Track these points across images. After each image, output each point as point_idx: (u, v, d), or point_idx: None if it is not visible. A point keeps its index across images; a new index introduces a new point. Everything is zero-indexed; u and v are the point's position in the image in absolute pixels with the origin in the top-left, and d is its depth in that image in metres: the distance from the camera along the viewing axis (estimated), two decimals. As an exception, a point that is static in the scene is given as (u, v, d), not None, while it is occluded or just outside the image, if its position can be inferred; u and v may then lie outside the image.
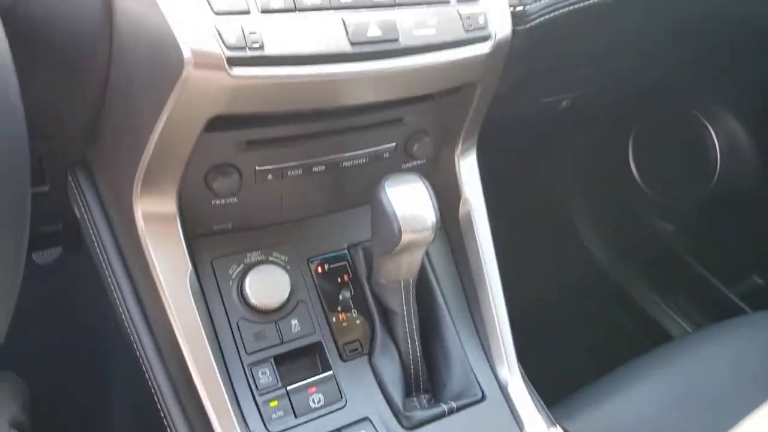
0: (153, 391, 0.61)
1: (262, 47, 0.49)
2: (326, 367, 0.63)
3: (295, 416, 0.60)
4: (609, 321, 1.40)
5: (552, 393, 0.74)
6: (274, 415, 0.59)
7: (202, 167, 0.57)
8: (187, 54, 0.47)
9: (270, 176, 0.60)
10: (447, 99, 0.65)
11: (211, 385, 0.57)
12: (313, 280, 0.65)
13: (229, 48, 0.48)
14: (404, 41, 0.55)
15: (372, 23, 0.53)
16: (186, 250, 0.57)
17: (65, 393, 0.97)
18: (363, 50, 0.53)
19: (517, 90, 0.76)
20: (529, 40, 0.66)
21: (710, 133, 1.28)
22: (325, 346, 0.63)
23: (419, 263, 0.62)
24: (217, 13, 0.49)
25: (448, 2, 0.58)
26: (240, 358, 0.60)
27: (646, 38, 0.91)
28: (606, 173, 1.44)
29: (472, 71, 0.62)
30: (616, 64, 1.00)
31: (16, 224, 0.40)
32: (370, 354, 0.65)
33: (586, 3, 0.69)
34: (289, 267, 0.64)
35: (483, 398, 0.66)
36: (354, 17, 0.53)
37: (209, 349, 0.57)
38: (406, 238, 0.57)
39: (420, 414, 0.63)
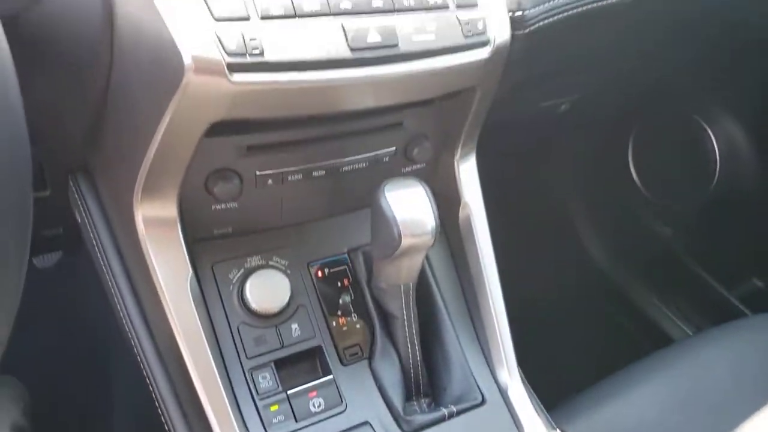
0: (153, 395, 0.61)
1: (262, 53, 0.49)
2: (326, 372, 0.63)
3: (296, 420, 0.60)
4: (609, 323, 1.40)
5: (552, 396, 0.74)
6: (274, 420, 0.59)
7: (203, 172, 0.57)
8: (187, 60, 0.48)
9: (270, 181, 0.60)
10: (446, 103, 0.65)
11: (211, 389, 0.57)
12: (313, 285, 0.65)
13: (229, 54, 0.49)
14: (404, 47, 0.55)
15: (371, 29, 0.53)
16: (186, 255, 0.57)
17: (65, 397, 0.97)
18: (362, 56, 0.53)
19: (516, 94, 0.76)
20: (527, 44, 0.67)
21: (709, 135, 1.28)
22: (325, 351, 0.63)
23: (419, 267, 0.62)
24: (217, 20, 0.49)
25: (447, 8, 0.58)
26: (240, 362, 0.60)
27: (644, 42, 0.91)
28: (606, 176, 1.44)
29: (472, 76, 0.62)
30: (615, 67, 1.00)
31: (19, 229, 0.40)
32: (370, 358, 0.65)
33: (584, 8, 0.69)
34: (289, 271, 0.64)
35: (483, 402, 0.66)
36: (353, 23, 0.53)
37: (210, 353, 0.57)
38: (405, 242, 0.57)
39: (420, 418, 0.64)
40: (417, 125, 0.66)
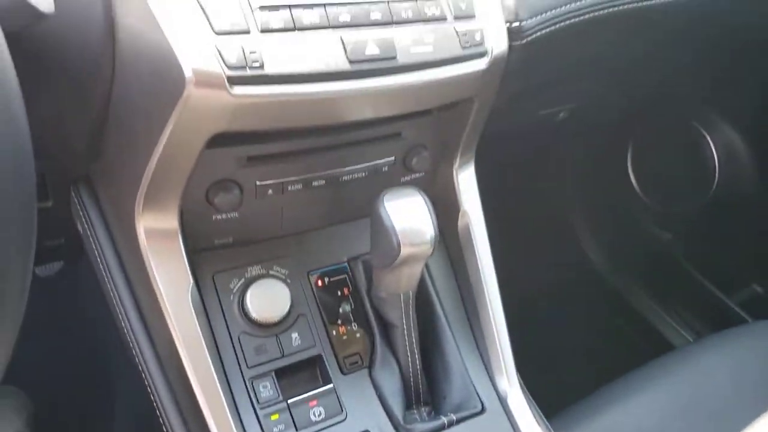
0: (155, 404, 0.61)
1: (262, 66, 0.50)
2: (327, 380, 0.63)
3: (296, 429, 0.60)
4: (609, 330, 1.40)
5: (552, 404, 0.75)
6: (275, 429, 0.60)
7: (204, 183, 0.58)
8: (188, 73, 0.48)
9: (270, 191, 0.60)
10: (445, 114, 0.65)
11: (212, 398, 0.57)
12: (314, 294, 0.66)
13: (229, 67, 0.49)
14: (402, 59, 0.55)
15: (370, 41, 0.54)
16: (187, 265, 0.58)
17: (68, 406, 0.98)
18: (361, 68, 0.54)
19: (514, 104, 0.77)
20: (525, 55, 0.67)
21: (708, 141, 1.29)
22: (325, 360, 0.64)
23: (418, 276, 0.63)
24: (217, 33, 0.49)
25: (445, 19, 0.59)
26: (241, 371, 0.61)
27: (642, 49, 0.92)
28: (605, 182, 1.45)
29: (469, 87, 0.62)
30: (613, 75, 1.00)
31: (24, 239, 0.40)
32: (371, 367, 0.65)
33: (581, 18, 0.70)
34: (289, 280, 0.64)
35: (483, 410, 0.66)
36: (352, 35, 0.53)
37: (210, 362, 0.57)
38: (405, 251, 0.57)
39: (420, 426, 0.64)
40: (416, 135, 0.66)
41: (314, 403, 0.62)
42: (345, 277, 0.68)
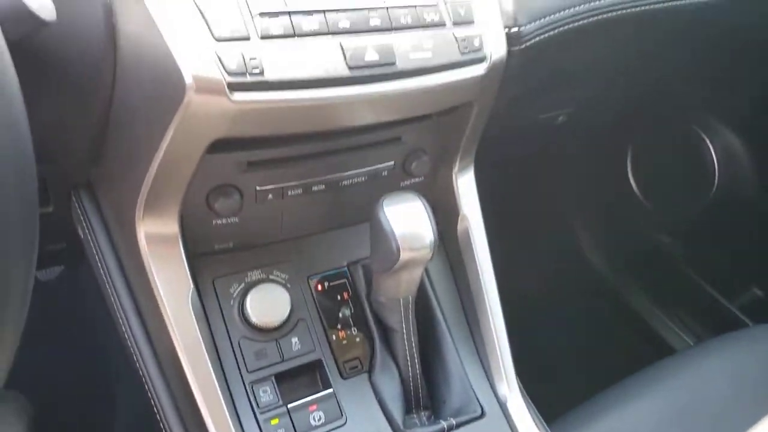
0: (155, 408, 0.61)
1: (262, 72, 0.50)
2: (326, 385, 0.63)
3: None
4: (609, 333, 1.40)
5: (551, 408, 0.75)
6: None
7: (204, 188, 0.58)
8: (188, 80, 0.49)
9: (270, 196, 0.61)
10: (444, 119, 0.66)
11: (212, 403, 0.57)
12: (313, 298, 0.66)
13: (229, 74, 0.49)
14: (401, 64, 0.56)
15: (369, 47, 0.54)
16: (188, 270, 0.58)
17: (68, 410, 0.98)
18: (361, 74, 0.54)
19: (513, 108, 0.77)
20: (524, 60, 0.68)
21: (707, 145, 1.29)
22: (325, 364, 0.64)
23: (418, 281, 0.63)
24: (217, 39, 0.50)
25: (444, 25, 0.59)
26: (241, 376, 0.61)
27: (641, 53, 0.92)
28: (605, 186, 1.45)
29: (468, 92, 0.63)
30: (612, 79, 1.01)
31: (26, 244, 0.41)
32: (370, 371, 0.66)
33: (580, 23, 0.70)
34: (289, 285, 0.65)
35: (482, 415, 0.66)
36: (352, 42, 0.54)
37: (211, 367, 0.58)
38: (404, 256, 0.57)
39: (420, 431, 0.64)
40: (415, 140, 0.66)
41: (314, 407, 0.62)
42: (345, 281, 0.68)
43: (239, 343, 0.61)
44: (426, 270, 0.70)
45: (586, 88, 1.00)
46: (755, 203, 1.25)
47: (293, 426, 0.61)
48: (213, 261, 0.62)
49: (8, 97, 0.39)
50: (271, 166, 0.59)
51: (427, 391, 0.67)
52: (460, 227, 0.71)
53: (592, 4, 0.71)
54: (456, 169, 0.71)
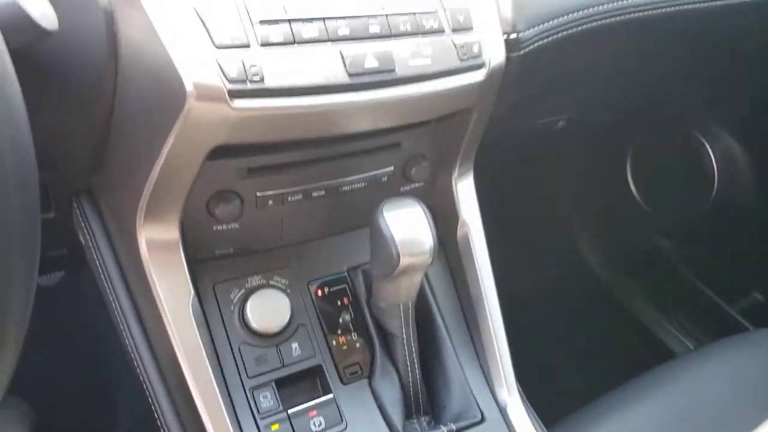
0: (156, 414, 0.61)
1: (262, 80, 0.51)
2: (327, 391, 0.64)
3: None
4: (609, 338, 1.40)
5: (551, 413, 0.75)
6: None
7: (205, 194, 0.58)
8: (189, 87, 0.49)
9: (270, 202, 0.61)
10: (443, 124, 0.66)
11: (213, 408, 0.58)
12: (314, 304, 0.66)
13: (230, 81, 0.50)
14: (400, 71, 0.56)
15: (369, 54, 0.55)
16: (188, 276, 0.58)
17: (69, 415, 0.98)
18: (360, 81, 0.54)
19: (513, 113, 0.77)
20: (523, 65, 0.68)
21: (707, 148, 1.29)
22: (325, 370, 0.64)
23: (418, 286, 0.63)
24: (218, 47, 0.50)
25: (443, 32, 0.59)
26: (242, 381, 0.61)
27: (640, 57, 0.92)
28: (605, 190, 1.45)
29: (467, 98, 0.63)
30: (611, 84, 1.01)
31: (28, 251, 0.41)
32: (370, 377, 0.66)
33: (578, 29, 0.71)
34: (289, 291, 0.65)
35: (482, 420, 0.67)
36: (351, 49, 0.54)
37: (211, 373, 0.58)
38: (404, 261, 0.58)
39: (420, 436, 0.64)
40: (415, 145, 0.67)
41: (314, 413, 0.62)
42: (345, 286, 0.68)
43: (239, 349, 0.62)
44: (426, 275, 0.70)
45: (585, 93, 1.00)
46: (755, 207, 1.26)
47: (294, 431, 0.61)
48: (213, 266, 0.63)
49: (10, 103, 0.39)
50: (272, 172, 0.60)
51: (427, 397, 0.67)
52: (459, 232, 0.72)
53: (590, 10, 0.72)
54: (455, 174, 0.71)
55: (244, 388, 0.61)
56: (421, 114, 0.62)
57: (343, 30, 0.54)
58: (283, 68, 0.52)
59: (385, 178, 0.66)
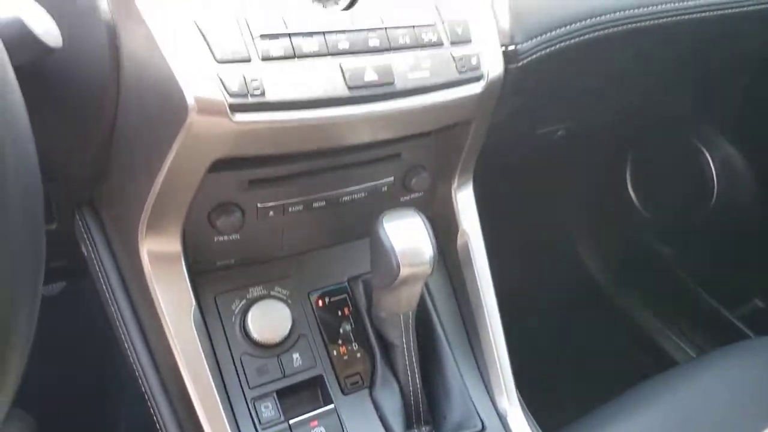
0: (158, 425, 0.61)
1: (263, 94, 0.51)
2: (327, 401, 0.64)
3: None
4: (610, 345, 1.40)
5: (552, 420, 0.75)
6: None
7: (206, 206, 0.59)
8: (191, 101, 0.49)
9: (271, 213, 0.61)
10: (443, 135, 0.66)
11: (214, 419, 0.58)
12: (314, 314, 0.66)
13: (231, 95, 0.50)
14: (399, 84, 0.56)
15: (368, 68, 0.55)
16: (190, 288, 0.59)
17: (71, 425, 0.98)
18: (360, 94, 0.55)
19: (512, 123, 0.78)
20: (521, 77, 0.68)
21: (706, 156, 1.30)
22: (326, 380, 0.64)
23: (418, 296, 0.63)
24: (219, 61, 0.51)
25: (441, 45, 0.60)
26: (243, 392, 0.61)
27: (638, 69, 0.93)
28: (605, 197, 1.45)
29: (466, 110, 0.64)
30: (609, 95, 1.02)
31: (33, 262, 0.41)
32: (371, 387, 0.66)
33: (576, 40, 0.71)
34: (290, 301, 0.65)
35: (483, 429, 0.67)
36: (351, 62, 0.55)
37: (213, 383, 0.58)
38: (404, 272, 0.58)
39: (421, 446, 0.64)
40: (414, 156, 0.67)
41: (315, 423, 0.62)
42: (345, 296, 0.69)
43: (241, 360, 0.62)
44: (426, 285, 0.70)
45: (584, 103, 1.01)
46: (754, 213, 1.26)
47: None
48: (215, 277, 0.63)
49: (14, 115, 0.39)
50: (272, 183, 0.60)
51: (427, 406, 0.68)
52: (459, 242, 0.72)
53: (587, 21, 0.72)
54: (455, 184, 0.72)
55: (245, 399, 0.61)
56: (420, 126, 0.62)
57: (343, 44, 0.55)
58: (284, 82, 0.52)
59: (386, 189, 0.67)
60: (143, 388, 0.61)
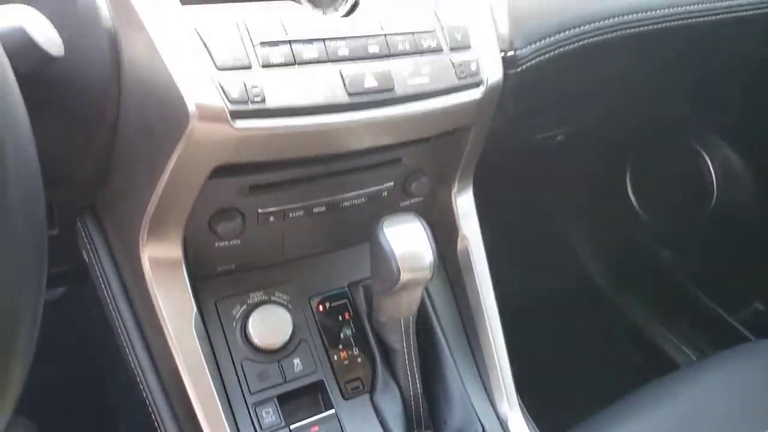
0: (158, 430, 0.61)
1: (263, 100, 0.51)
2: (328, 406, 0.64)
3: None
4: (611, 348, 1.40)
5: (553, 425, 0.75)
6: None
7: (207, 212, 0.59)
8: (192, 108, 0.50)
9: (272, 218, 0.62)
10: (442, 141, 0.67)
11: (215, 424, 0.58)
12: (315, 319, 0.67)
13: (232, 102, 0.50)
14: (399, 90, 0.57)
15: (368, 74, 0.55)
16: (191, 293, 0.59)
17: (71, 430, 0.98)
18: (360, 100, 0.55)
19: (511, 128, 0.78)
20: (520, 82, 0.69)
21: (705, 159, 1.30)
22: (327, 385, 0.64)
23: (418, 301, 0.64)
24: (220, 69, 0.51)
25: (441, 51, 0.60)
26: (244, 397, 0.61)
27: (637, 74, 0.93)
28: (605, 201, 1.46)
29: (466, 116, 0.64)
30: (609, 100, 1.02)
31: (36, 268, 0.41)
32: (372, 391, 0.66)
33: (575, 46, 0.71)
34: (290, 306, 0.65)
35: (483, 434, 0.67)
36: (351, 69, 0.55)
37: (214, 389, 0.58)
38: (405, 277, 0.58)
39: (421, 450, 0.64)
40: (414, 161, 0.67)
41: (316, 428, 0.62)
42: (345, 301, 0.69)
43: (242, 365, 0.62)
44: (426, 289, 0.70)
45: (584, 108, 1.01)
46: (754, 216, 1.26)
47: None
48: (215, 283, 0.63)
49: (14, 117, 0.39)
50: (273, 189, 0.60)
51: (428, 411, 0.68)
52: (459, 246, 0.72)
53: (586, 26, 0.72)
54: (455, 189, 0.72)
55: (246, 404, 0.61)
56: (420, 131, 0.63)
57: (343, 50, 0.55)
58: (284, 89, 0.52)
59: (386, 194, 0.67)
60: (144, 394, 0.62)
